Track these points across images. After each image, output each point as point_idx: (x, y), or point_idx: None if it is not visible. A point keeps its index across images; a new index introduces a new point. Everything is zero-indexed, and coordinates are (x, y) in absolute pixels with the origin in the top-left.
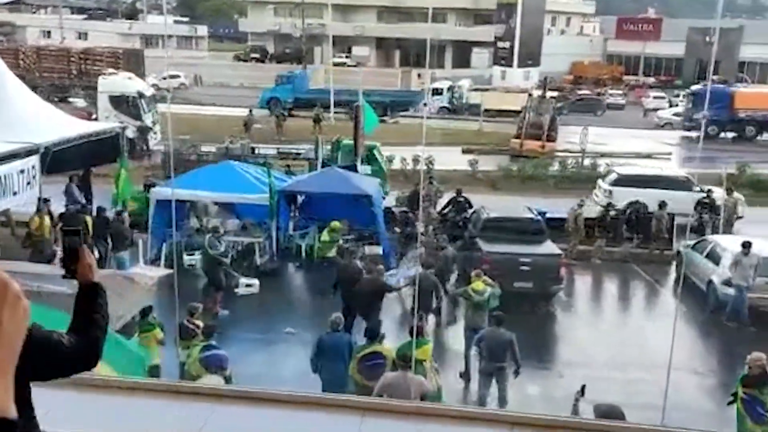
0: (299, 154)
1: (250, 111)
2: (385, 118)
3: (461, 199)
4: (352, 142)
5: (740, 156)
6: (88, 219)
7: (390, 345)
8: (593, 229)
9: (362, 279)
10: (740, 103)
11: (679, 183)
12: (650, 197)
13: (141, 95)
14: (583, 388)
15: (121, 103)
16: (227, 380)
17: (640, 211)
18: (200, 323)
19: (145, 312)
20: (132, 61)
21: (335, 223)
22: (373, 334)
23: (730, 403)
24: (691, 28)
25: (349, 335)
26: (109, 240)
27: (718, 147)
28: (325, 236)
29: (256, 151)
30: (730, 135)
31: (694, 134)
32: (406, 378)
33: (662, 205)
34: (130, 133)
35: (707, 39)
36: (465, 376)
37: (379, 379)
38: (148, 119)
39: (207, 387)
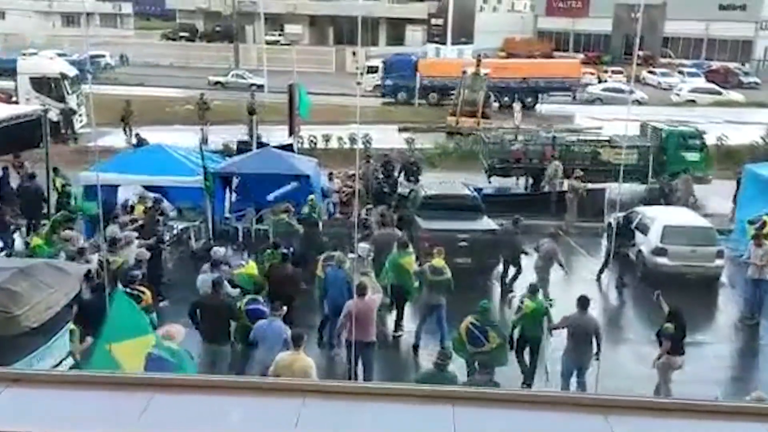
0: (608, 140)
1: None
2: None
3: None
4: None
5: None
6: None
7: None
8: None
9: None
10: (423, 71)
11: None
12: None
13: (64, 76)
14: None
15: (43, 84)
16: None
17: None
18: (144, 289)
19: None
20: None
21: None
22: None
23: None
24: (617, 5)
25: (345, 272)
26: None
27: (413, 110)
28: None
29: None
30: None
31: (391, 100)
32: (365, 301)
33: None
34: (54, 116)
35: (632, 15)
36: (415, 350)
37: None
38: (72, 101)
39: (143, 377)
